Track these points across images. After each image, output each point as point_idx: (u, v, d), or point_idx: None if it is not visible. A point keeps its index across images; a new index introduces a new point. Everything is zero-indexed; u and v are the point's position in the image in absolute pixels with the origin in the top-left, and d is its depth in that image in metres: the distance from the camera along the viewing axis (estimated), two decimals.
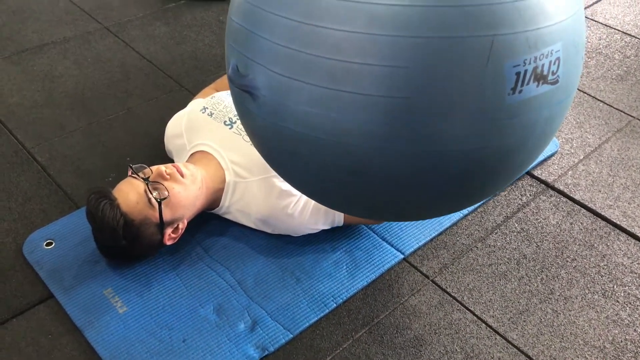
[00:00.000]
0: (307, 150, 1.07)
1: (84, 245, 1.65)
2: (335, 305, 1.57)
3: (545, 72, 1.01)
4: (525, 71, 0.98)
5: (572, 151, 2.10)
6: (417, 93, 0.96)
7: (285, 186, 1.59)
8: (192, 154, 1.72)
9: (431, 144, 1.00)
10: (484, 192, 1.20)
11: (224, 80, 2.02)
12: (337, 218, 1.65)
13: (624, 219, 1.85)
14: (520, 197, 1.92)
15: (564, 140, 2.14)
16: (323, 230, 1.74)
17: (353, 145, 1.02)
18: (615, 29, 2.75)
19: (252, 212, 1.64)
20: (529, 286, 1.66)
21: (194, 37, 2.58)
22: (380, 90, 0.97)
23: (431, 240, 1.76)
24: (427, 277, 1.67)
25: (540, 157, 2.04)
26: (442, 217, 1.81)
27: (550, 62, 1.01)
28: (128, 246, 1.53)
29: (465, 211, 1.84)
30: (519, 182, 1.97)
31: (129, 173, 1.59)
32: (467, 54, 0.95)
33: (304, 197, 1.60)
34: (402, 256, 1.70)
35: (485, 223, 1.83)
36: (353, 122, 1.00)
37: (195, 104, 1.83)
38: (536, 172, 2.00)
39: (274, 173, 1.60)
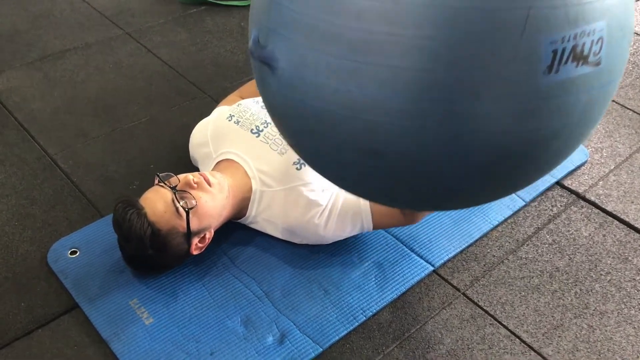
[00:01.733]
0: (325, 127, 0.99)
1: (109, 254, 1.63)
2: (364, 318, 1.53)
3: (586, 52, 0.92)
4: (564, 49, 0.89)
5: (602, 161, 2.05)
6: (446, 67, 0.88)
7: (313, 195, 1.56)
8: (218, 162, 1.69)
9: (461, 124, 0.91)
10: (517, 182, 1.10)
11: (248, 87, 2.00)
12: (366, 223, 1.61)
13: None
14: (550, 207, 1.88)
15: (593, 149, 2.09)
16: (350, 240, 1.70)
17: (374, 122, 0.94)
18: None
19: (279, 222, 1.61)
20: (563, 300, 1.62)
21: (216, 43, 2.56)
22: (407, 62, 0.88)
23: (461, 251, 1.73)
24: (458, 290, 1.63)
25: (570, 167, 2.00)
26: (471, 228, 1.78)
27: (592, 41, 0.91)
28: (155, 256, 1.50)
29: (494, 221, 1.80)
30: (549, 192, 1.93)
31: (156, 181, 1.56)
32: (500, 27, 0.87)
33: (330, 205, 1.57)
34: (431, 268, 1.66)
35: (516, 234, 1.79)
36: (374, 96, 0.92)
37: (221, 112, 1.81)
38: (566, 182, 1.96)
39: (301, 182, 1.57)
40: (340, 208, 1.58)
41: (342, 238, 1.65)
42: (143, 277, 1.58)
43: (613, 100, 2.32)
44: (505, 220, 1.83)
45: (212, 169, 1.70)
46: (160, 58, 2.45)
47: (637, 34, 2.71)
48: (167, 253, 1.52)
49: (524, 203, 1.87)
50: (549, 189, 1.94)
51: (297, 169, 1.59)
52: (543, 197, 1.92)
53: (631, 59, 2.55)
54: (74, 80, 2.31)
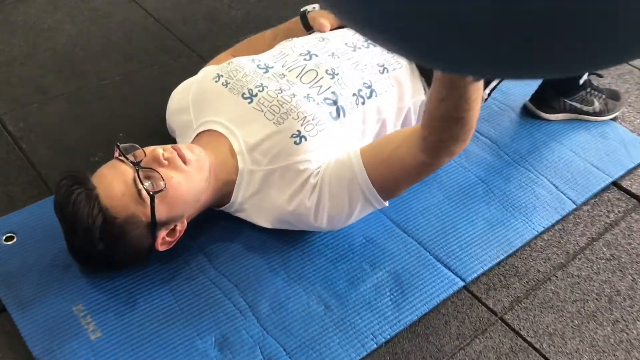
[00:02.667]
0: None
1: (53, 243, 1.28)
2: (375, 345, 1.19)
3: None
4: None
5: None
6: None
7: (313, 178, 1.22)
8: (199, 134, 1.34)
9: None
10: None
11: (245, 45, 1.63)
12: (365, 186, 1.20)
13: None
14: (607, 213, 1.53)
15: None
16: (361, 242, 1.35)
17: None
18: None
19: (270, 209, 1.26)
20: (627, 334, 1.27)
21: None
22: None
23: (499, 264, 1.38)
24: (495, 313, 1.28)
25: (629, 164, 1.65)
26: (511, 234, 1.43)
27: None
28: (106, 251, 1.15)
29: (539, 227, 1.45)
30: (604, 194, 1.58)
31: (116, 154, 1.21)
32: None
33: (319, 179, 1.22)
34: (462, 283, 1.31)
35: (566, 245, 1.44)
36: None
37: (208, 71, 1.45)
38: (625, 183, 1.61)
39: (300, 159, 1.22)
40: (331, 179, 1.22)
41: (344, 221, 1.27)
42: (93, 277, 1.23)
43: None
44: (553, 226, 1.48)
45: (192, 142, 1.34)
46: (145, 8, 2.08)
47: None
48: (124, 248, 1.17)
49: (574, 206, 1.52)
50: (604, 190, 1.59)
51: (295, 143, 1.23)
52: (597, 199, 1.56)
53: None
54: (38, 27, 1.94)
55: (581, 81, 1.69)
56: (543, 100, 1.74)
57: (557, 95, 1.72)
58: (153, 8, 2.08)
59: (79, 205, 1.10)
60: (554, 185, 1.56)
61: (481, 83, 0.98)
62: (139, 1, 2.10)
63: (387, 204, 1.26)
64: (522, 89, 1.85)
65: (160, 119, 1.52)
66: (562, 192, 1.55)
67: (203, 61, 1.80)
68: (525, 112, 1.78)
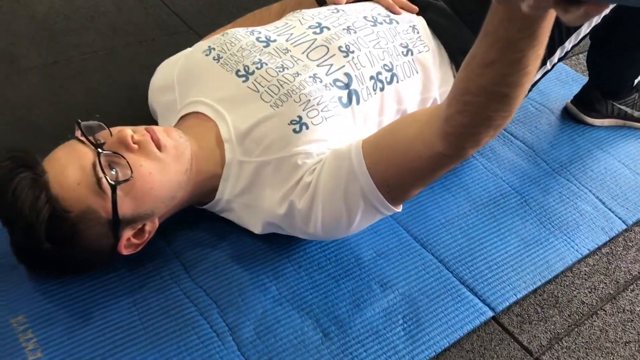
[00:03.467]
0: None
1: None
2: None
3: None
4: None
5: None
6: None
7: (308, 176, 0.99)
8: (182, 117, 1.11)
9: None
10: None
11: (247, 19, 1.41)
12: (369, 192, 0.95)
13: None
14: None
15: None
16: (369, 257, 1.13)
17: None
18: None
19: (262, 210, 1.04)
20: None
21: None
22: None
23: (535, 291, 1.14)
24: (530, 353, 1.05)
25: None
26: (550, 256, 1.20)
27: None
28: (55, 252, 0.93)
29: (584, 250, 1.22)
30: None
31: (76, 133, 0.98)
32: None
33: (314, 176, 0.98)
34: (491, 314, 1.08)
35: (615, 273, 1.21)
36: None
37: (199, 44, 1.22)
38: None
39: (298, 150, 0.99)
40: (327, 176, 0.98)
41: (344, 228, 1.02)
42: (40, 282, 1.01)
43: None
44: (599, 249, 1.24)
45: (175, 126, 1.12)
46: None
47: None
48: (78, 250, 0.95)
49: (624, 227, 1.29)
50: None
51: (294, 131, 1.01)
52: None
53: None
54: None
55: (635, 82, 1.45)
56: (588, 103, 1.51)
57: (604, 98, 1.49)
58: None
59: (21, 193, 0.87)
60: (600, 200, 1.33)
61: (542, 49, 0.72)
62: None
63: (398, 209, 1.01)
64: (563, 89, 1.62)
65: (146, 101, 1.30)
66: (610, 210, 1.31)
67: (199, 39, 1.58)
68: (567, 115, 1.55)
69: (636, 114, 1.50)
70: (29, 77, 1.45)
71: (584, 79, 1.62)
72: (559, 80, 1.66)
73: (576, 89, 1.57)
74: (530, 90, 1.28)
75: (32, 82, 1.44)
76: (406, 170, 0.93)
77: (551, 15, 0.66)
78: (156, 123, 1.25)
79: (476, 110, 0.81)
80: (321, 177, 0.98)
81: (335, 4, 1.22)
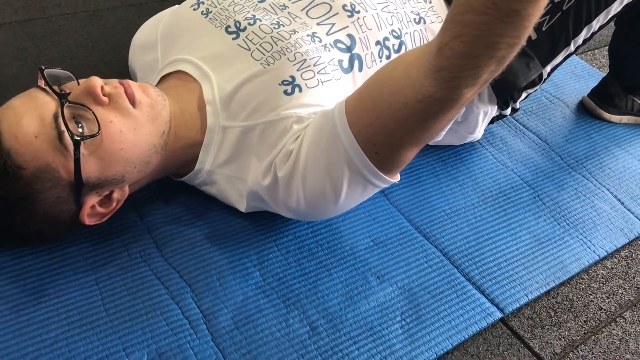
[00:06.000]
0: None
1: None
2: None
3: None
4: None
5: None
6: None
7: (291, 144, 0.86)
8: (164, 77, 0.99)
9: None
10: None
11: None
12: (353, 153, 0.81)
13: None
14: None
15: None
16: (365, 245, 1.00)
17: None
18: None
19: (246, 182, 0.92)
20: None
21: None
22: None
23: (548, 293, 1.02)
24: None
25: None
26: (565, 256, 1.08)
27: None
28: (6, 217, 0.80)
29: (601, 252, 1.11)
30: None
31: (40, 82, 0.85)
32: None
33: (297, 145, 0.86)
34: (499, 315, 0.96)
35: (635, 278, 1.09)
36: None
37: (187, 1, 1.10)
38: None
39: (288, 113, 0.87)
40: (309, 139, 0.85)
41: (332, 201, 0.87)
42: None
43: None
44: (618, 251, 1.13)
45: (156, 85, 0.99)
46: None
47: None
48: (33, 214, 0.82)
49: None
50: None
51: (285, 92, 0.88)
52: None
53: None
54: None
55: None
56: (606, 97, 1.40)
57: (624, 92, 1.38)
58: None
59: None
60: (618, 200, 1.22)
61: None
62: None
63: (393, 179, 0.86)
64: (578, 84, 1.51)
65: (127, 66, 1.18)
66: (629, 210, 1.20)
67: None
68: (582, 110, 1.44)
69: None
70: (3, 33, 1.32)
71: (600, 74, 1.52)
72: (573, 74, 1.55)
73: (592, 83, 1.46)
74: (549, 74, 1.16)
75: (5, 39, 1.31)
76: (393, 122, 0.78)
77: None
78: None
79: (478, 34, 0.65)
80: (303, 142, 0.85)
81: None
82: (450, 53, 0.68)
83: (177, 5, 1.12)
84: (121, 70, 1.24)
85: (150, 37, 1.07)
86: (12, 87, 1.20)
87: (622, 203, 1.21)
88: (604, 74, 1.44)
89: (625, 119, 1.41)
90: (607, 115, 1.40)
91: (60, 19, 1.40)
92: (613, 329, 1.00)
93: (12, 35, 1.33)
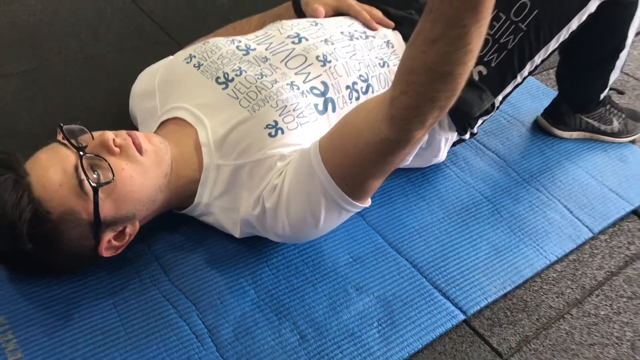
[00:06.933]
0: None
1: None
2: None
3: None
4: None
5: None
6: None
7: (276, 178, 1.02)
8: (163, 123, 1.14)
9: None
10: None
11: (228, 30, 1.44)
12: (328, 186, 0.96)
13: None
14: (627, 245, 1.34)
15: None
16: (345, 261, 1.16)
17: None
18: None
19: (242, 210, 1.07)
20: None
21: None
22: None
23: (505, 296, 1.18)
24: (500, 355, 1.09)
25: None
26: (520, 262, 1.24)
27: None
28: (37, 253, 0.94)
29: (552, 257, 1.26)
30: (624, 223, 1.39)
31: (58, 136, 1.00)
32: None
33: (280, 179, 1.01)
34: (463, 317, 1.12)
35: (581, 278, 1.25)
36: None
37: (180, 53, 1.25)
38: None
39: (272, 152, 1.02)
40: (291, 175, 1.00)
41: (312, 227, 1.02)
42: (21, 284, 1.02)
43: None
44: (567, 256, 1.29)
45: (155, 132, 1.14)
46: None
47: None
48: (59, 251, 0.96)
49: (591, 235, 1.33)
50: (623, 218, 1.40)
51: (270, 135, 1.03)
52: (616, 229, 1.38)
53: None
54: None
55: (602, 96, 1.51)
56: (557, 116, 1.56)
57: (573, 111, 1.54)
58: None
59: (3, 194, 0.89)
60: (568, 209, 1.38)
61: (485, 26, 0.73)
62: None
63: (363, 204, 1.01)
64: (533, 103, 1.68)
65: (126, 109, 1.32)
66: (577, 218, 1.36)
67: (180, 48, 1.60)
68: (537, 128, 1.60)
69: (603, 127, 1.56)
70: (10, 82, 1.46)
71: (554, 93, 1.68)
72: (529, 94, 1.72)
73: (546, 102, 1.62)
74: (501, 103, 1.33)
75: (13, 88, 1.45)
76: (358, 159, 0.93)
77: None
78: (136, 129, 1.27)
79: (421, 90, 0.80)
80: (286, 177, 1.00)
81: (314, 17, 1.26)
82: (400, 105, 0.83)
83: (170, 57, 1.27)
84: (120, 111, 1.38)
85: (148, 86, 1.22)
86: (25, 132, 1.35)
87: (571, 212, 1.37)
88: (557, 93, 1.60)
89: (575, 134, 1.58)
90: (558, 133, 1.57)
91: (63, 67, 1.55)
92: (561, 325, 1.16)
93: (23, 83, 1.47)
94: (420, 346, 1.06)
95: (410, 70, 0.80)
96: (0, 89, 1.44)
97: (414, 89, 0.81)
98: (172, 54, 1.37)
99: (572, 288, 1.23)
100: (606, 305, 1.21)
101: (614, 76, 1.45)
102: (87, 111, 1.43)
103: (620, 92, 1.65)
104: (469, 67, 0.78)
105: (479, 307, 1.14)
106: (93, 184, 0.92)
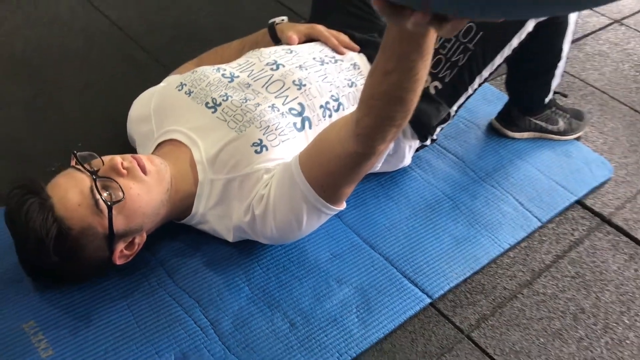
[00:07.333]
0: None
1: (4, 257, 1.21)
2: None
3: None
4: None
5: (628, 179, 1.72)
6: None
7: (263, 189, 1.18)
8: (160, 144, 1.30)
9: None
10: None
11: (210, 55, 1.60)
12: (309, 195, 1.13)
13: None
14: (571, 231, 1.54)
15: (617, 164, 1.76)
16: (327, 257, 1.33)
17: None
18: None
19: (232, 219, 1.23)
20: (591, 352, 1.27)
21: (179, 4, 2.15)
22: None
23: (465, 280, 1.36)
24: (462, 331, 1.27)
25: (593, 183, 1.66)
26: (477, 251, 1.42)
27: None
28: (61, 264, 1.10)
29: (505, 244, 1.45)
30: (569, 213, 1.58)
31: (72, 162, 1.16)
32: None
33: (267, 189, 1.18)
34: (429, 300, 1.29)
35: (532, 262, 1.44)
36: None
37: (171, 80, 1.41)
38: (589, 202, 1.62)
39: (259, 167, 1.19)
40: (275, 186, 1.17)
41: (296, 230, 1.20)
42: (46, 291, 1.17)
43: (635, 110, 1.99)
44: (518, 243, 1.48)
45: (153, 152, 1.30)
46: (108, 17, 2.02)
47: None
48: (80, 261, 1.12)
49: (539, 224, 1.52)
50: (568, 208, 1.59)
51: (256, 151, 1.20)
52: (562, 217, 1.57)
53: None
54: None
55: (546, 100, 1.70)
56: (509, 119, 1.75)
57: (522, 114, 1.73)
58: (117, 17, 2.03)
59: (32, 215, 1.04)
60: (519, 202, 1.56)
61: (429, 60, 0.91)
62: (102, 9, 2.05)
63: (338, 208, 1.19)
64: (488, 107, 1.86)
65: (120, 130, 1.48)
66: (527, 210, 1.55)
67: (167, 72, 1.75)
68: (491, 130, 1.79)
69: (550, 127, 1.76)
70: (13, 111, 1.61)
71: (506, 97, 1.87)
72: (484, 99, 1.90)
73: (499, 106, 1.81)
74: (456, 112, 1.51)
75: (17, 116, 1.59)
76: (332, 170, 1.10)
77: (433, 32, 0.82)
78: (133, 150, 1.43)
79: (380, 112, 0.97)
80: (271, 188, 1.17)
81: (289, 44, 1.43)
82: (364, 125, 1.01)
83: (162, 85, 1.42)
84: (117, 134, 1.51)
85: (144, 112, 1.37)
86: (33, 158, 1.49)
87: (522, 204, 1.56)
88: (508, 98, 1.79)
89: (525, 134, 1.77)
90: (511, 134, 1.76)
91: (60, 94, 1.69)
92: (514, 303, 1.35)
93: (25, 111, 1.61)
94: (394, 327, 1.23)
95: (370, 96, 0.97)
96: (5, 117, 1.58)
97: (374, 112, 0.98)
98: (160, 77, 1.53)
99: (523, 271, 1.42)
100: (553, 284, 1.40)
101: (555, 82, 1.64)
102: (86, 133, 1.57)
103: (564, 95, 1.84)
104: (418, 92, 0.95)
105: (442, 291, 1.32)
106: (107, 203, 1.08)
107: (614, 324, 1.33)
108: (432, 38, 0.84)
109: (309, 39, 1.47)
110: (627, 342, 1.30)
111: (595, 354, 1.27)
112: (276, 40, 1.50)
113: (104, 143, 1.53)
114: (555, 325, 1.31)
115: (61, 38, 1.90)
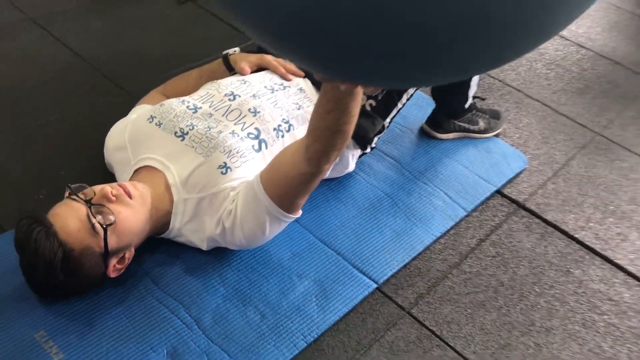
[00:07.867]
0: None
1: (9, 278, 1.40)
2: (305, 344, 1.40)
3: None
4: None
5: (540, 168, 2.02)
6: None
7: (230, 204, 1.41)
8: (137, 170, 1.50)
9: None
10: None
11: (173, 83, 1.81)
12: (271, 208, 1.37)
13: (597, 242, 1.78)
14: (492, 217, 1.82)
15: (531, 155, 2.05)
16: (288, 255, 1.57)
17: None
18: (570, 40, 2.72)
19: (204, 232, 1.45)
20: (509, 317, 1.55)
21: (137, 32, 2.34)
22: None
23: (404, 266, 1.63)
24: (403, 308, 1.53)
25: (510, 174, 1.95)
26: (413, 240, 1.68)
27: None
28: (66, 281, 1.30)
29: (437, 233, 1.72)
30: (490, 201, 1.87)
31: (67, 194, 1.36)
32: None
33: (234, 204, 1.40)
34: (375, 285, 1.55)
35: (459, 247, 1.72)
36: None
37: (142, 112, 1.62)
38: (506, 191, 1.91)
39: (225, 186, 1.41)
40: (241, 202, 1.39)
41: (261, 237, 1.44)
42: (51, 304, 1.38)
43: (546, 105, 2.29)
44: (448, 231, 1.75)
45: (131, 177, 1.51)
46: (71, 48, 2.20)
47: (563, 37, 2.72)
48: (81, 277, 1.32)
49: (465, 213, 1.80)
50: (489, 197, 1.88)
51: (222, 173, 1.43)
52: (484, 206, 1.85)
53: (561, 64, 2.55)
54: None
55: (467, 105, 1.98)
56: (436, 122, 2.02)
57: (447, 118, 2.00)
58: (79, 47, 2.20)
59: (40, 242, 1.24)
60: (448, 196, 1.84)
61: (359, 100, 1.12)
62: (65, 42, 2.22)
63: (295, 215, 1.42)
64: (420, 112, 2.13)
65: (98, 155, 1.67)
66: (455, 202, 1.82)
67: (133, 98, 1.95)
68: (422, 133, 2.05)
69: (472, 127, 2.03)
70: None
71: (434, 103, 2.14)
72: (416, 105, 2.16)
73: (429, 111, 2.07)
74: (389, 123, 1.76)
75: (2, 148, 1.77)
76: (287, 187, 1.34)
77: (360, 87, 1.06)
78: (112, 174, 1.63)
79: (325, 140, 1.20)
80: (238, 204, 1.40)
81: (242, 74, 1.66)
82: (312, 150, 1.25)
83: (133, 116, 1.63)
84: (95, 159, 1.69)
85: (119, 142, 1.57)
86: (22, 186, 1.67)
87: (450, 197, 1.83)
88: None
89: (451, 135, 2.04)
90: (439, 136, 2.03)
91: (40, 124, 1.86)
92: (446, 282, 1.62)
93: (5, 145, 1.78)
94: (347, 310, 1.48)
95: (316, 128, 1.21)
96: None
97: (320, 140, 1.22)
98: (123, 103, 1.74)
99: (452, 254, 1.69)
100: (477, 264, 1.68)
101: (472, 91, 1.92)
102: (68, 161, 1.75)
103: (482, 99, 2.13)
104: (352, 126, 1.20)
105: (386, 277, 1.57)
106: (103, 226, 1.29)
107: (527, 293, 1.62)
108: (360, 89, 1.10)
109: (259, 68, 1.69)
110: (538, 306, 1.59)
111: (512, 319, 1.55)
112: (230, 69, 1.72)
113: (85, 169, 1.72)
114: (479, 298, 1.59)
115: (34, 71, 2.06)
